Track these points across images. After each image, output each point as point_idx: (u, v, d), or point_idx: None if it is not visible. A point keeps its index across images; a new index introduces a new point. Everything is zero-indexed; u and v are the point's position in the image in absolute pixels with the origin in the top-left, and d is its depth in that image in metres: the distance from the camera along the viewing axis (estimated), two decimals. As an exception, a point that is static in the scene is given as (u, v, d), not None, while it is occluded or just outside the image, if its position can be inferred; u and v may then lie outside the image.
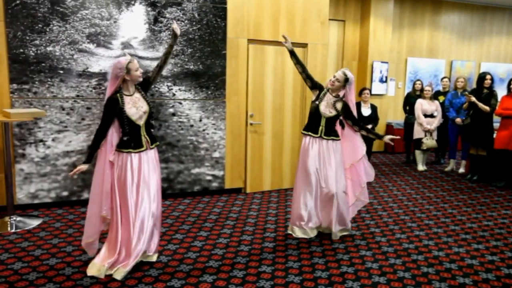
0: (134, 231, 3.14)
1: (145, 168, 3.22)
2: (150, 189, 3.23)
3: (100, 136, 3.16)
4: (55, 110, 4.51)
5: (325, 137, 3.92)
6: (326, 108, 3.90)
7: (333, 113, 3.91)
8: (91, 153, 3.19)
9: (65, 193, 4.65)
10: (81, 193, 4.71)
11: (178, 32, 3.40)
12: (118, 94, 3.17)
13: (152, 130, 3.36)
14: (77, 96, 4.59)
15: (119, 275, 3.11)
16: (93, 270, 3.17)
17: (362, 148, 4.03)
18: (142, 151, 3.23)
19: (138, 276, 3.16)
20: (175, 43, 3.43)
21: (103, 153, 3.19)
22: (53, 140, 4.53)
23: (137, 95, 3.26)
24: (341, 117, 4.00)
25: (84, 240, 3.26)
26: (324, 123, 3.91)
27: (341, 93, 3.94)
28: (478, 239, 4.11)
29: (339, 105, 3.91)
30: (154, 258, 3.39)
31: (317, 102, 3.91)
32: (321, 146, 3.93)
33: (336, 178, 3.89)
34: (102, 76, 4.65)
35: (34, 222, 4.19)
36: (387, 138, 3.97)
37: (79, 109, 4.61)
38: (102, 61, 4.62)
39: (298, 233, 4.04)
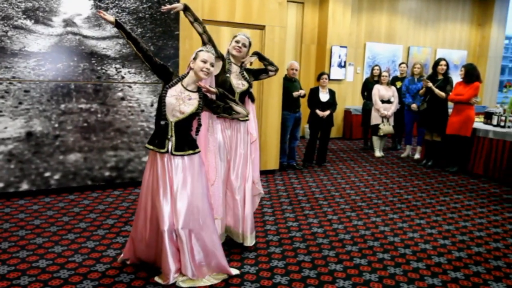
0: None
1: (172, 175, 2.75)
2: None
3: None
4: (-12, 93, 4.10)
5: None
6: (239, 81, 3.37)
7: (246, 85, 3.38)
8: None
9: (0, 184, 4.27)
10: (19, 184, 4.33)
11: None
12: (176, 80, 2.80)
13: (189, 138, 2.83)
14: (13, 77, 4.18)
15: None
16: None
17: None
18: (163, 153, 2.76)
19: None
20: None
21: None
22: (-15, 126, 4.13)
23: (194, 95, 2.79)
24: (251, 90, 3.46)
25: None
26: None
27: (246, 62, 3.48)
28: (431, 223, 4.16)
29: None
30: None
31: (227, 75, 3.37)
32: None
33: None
34: (42, 56, 4.26)
35: (-35, 217, 3.81)
36: None
37: (15, 92, 4.21)
38: (41, 39, 4.23)
39: None
